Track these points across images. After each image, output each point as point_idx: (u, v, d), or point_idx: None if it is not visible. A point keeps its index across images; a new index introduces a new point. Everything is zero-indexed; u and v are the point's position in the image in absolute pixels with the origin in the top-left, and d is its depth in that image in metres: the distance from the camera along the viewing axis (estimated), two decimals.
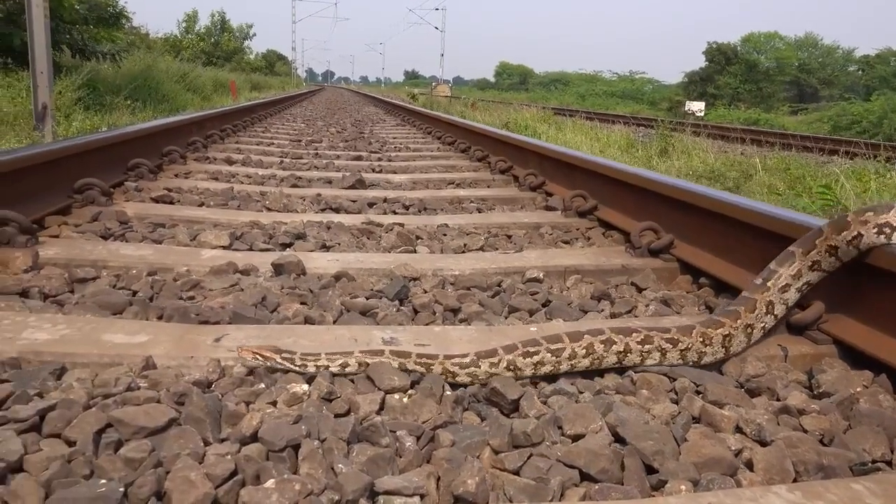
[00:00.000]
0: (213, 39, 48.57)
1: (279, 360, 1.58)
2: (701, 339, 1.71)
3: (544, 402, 1.51)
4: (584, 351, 1.64)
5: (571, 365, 1.64)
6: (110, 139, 3.97)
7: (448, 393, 1.52)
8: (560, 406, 1.48)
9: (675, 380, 1.64)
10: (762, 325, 1.81)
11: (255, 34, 54.57)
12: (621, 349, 1.66)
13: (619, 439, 1.36)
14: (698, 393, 1.59)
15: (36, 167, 2.97)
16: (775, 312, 1.83)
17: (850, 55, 65.46)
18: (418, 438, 1.35)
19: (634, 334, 1.67)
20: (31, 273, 2.23)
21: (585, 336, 1.65)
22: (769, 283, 1.82)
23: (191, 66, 25.36)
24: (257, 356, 1.58)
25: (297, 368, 1.58)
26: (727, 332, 1.74)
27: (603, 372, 1.69)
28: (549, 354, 1.61)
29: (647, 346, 1.67)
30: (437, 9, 63.85)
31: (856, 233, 1.78)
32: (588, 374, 1.68)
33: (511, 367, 1.59)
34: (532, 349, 1.61)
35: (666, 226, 2.80)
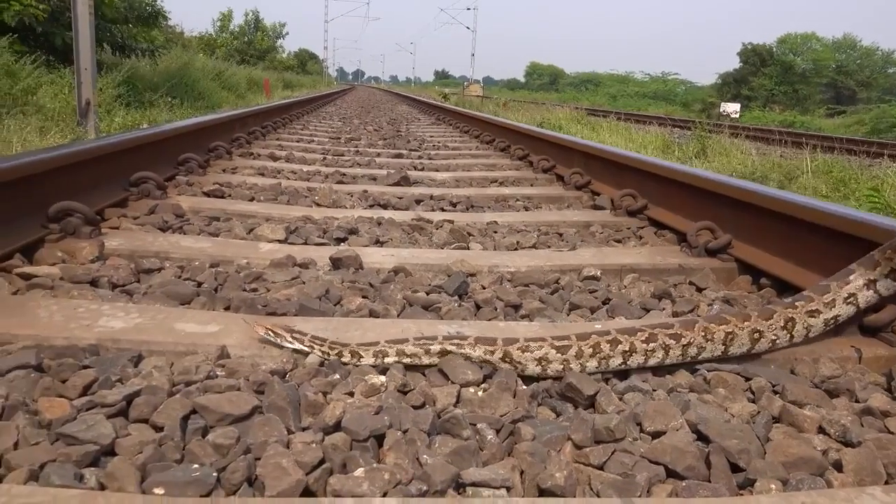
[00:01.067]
0: (246, 38, 49.08)
1: (289, 339, 1.62)
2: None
3: (620, 399, 1.49)
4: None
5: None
6: (161, 134, 4.03)
7: (523, 387, 1.51)
8: (636, 403, 1.47)
9: (749, 379, 1.62)
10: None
11: (287, 33, 55.15)
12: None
13: (701, 437, 1.34)
14: (775, 392, 1.56)
15: (94, 160, 3.03)
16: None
17: (890, 57, 64.11)
18: (498, 431, 1.35)
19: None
20: (97, 263, 2.27)
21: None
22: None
23: (226, 64, 25.70)
24: (269, 331, 1.63)
25: (305, 348, 1.63)
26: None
27: (673, 369, 1.68)
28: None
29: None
30: (468, 8, 63.82)
31: None
32: (658, 371, 1.67)
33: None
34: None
35: (723, 225, 2.77)
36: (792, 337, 1.73)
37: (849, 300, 1.78)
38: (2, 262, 2.13)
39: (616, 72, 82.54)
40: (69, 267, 2.18)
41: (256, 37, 49.47)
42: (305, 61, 73.98)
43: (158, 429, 1.29)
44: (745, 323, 1.68)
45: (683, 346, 1.64)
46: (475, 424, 1.35)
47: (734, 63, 65.25)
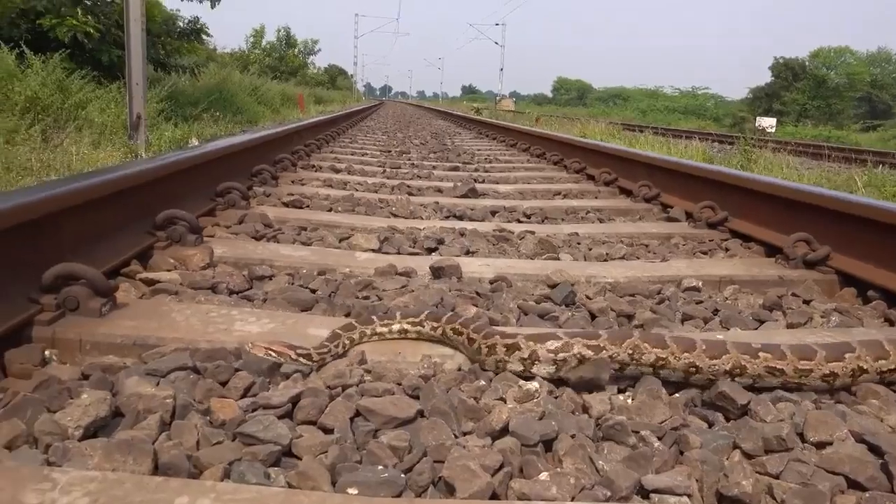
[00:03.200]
0: (278, 54, 49.75)
1: (293, 357, 1.54)
2: None
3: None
4: None
5: None
6: (237, 147, 4.09)
7: (677, 395, 1.51)
8: (791, 413, 1.45)
9: None
10: None
11: (319, 50, 55.77)
12: None
13: (871, 448, 1.32)
14: None
15: (186, 171, 3.08)
16: None
17: None
18: (660, 438, 1.34)
19: None
20: (209, 270, 2.31)
21: None
22: None
23: (262, 80, 26.06)
24: (269, 352, 1.53)
25: (313, 364, 1.56)
26: None
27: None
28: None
29: None
30: (497, 24, 64.09)
31: None
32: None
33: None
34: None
35: (818, 237, 2.73)
36: None
37: None
38: (120, 267, 2.17)
39: (645, 86, 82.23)
40: (187, 273, 2.22)
41: (288, 53, 50.18)
42: (335, 77, 74.78)
43: (327, 430, 1.31)
44: None
45: None
46: (637, 431, 1.34)
47: (765, 77, 64.66)
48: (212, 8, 15.16)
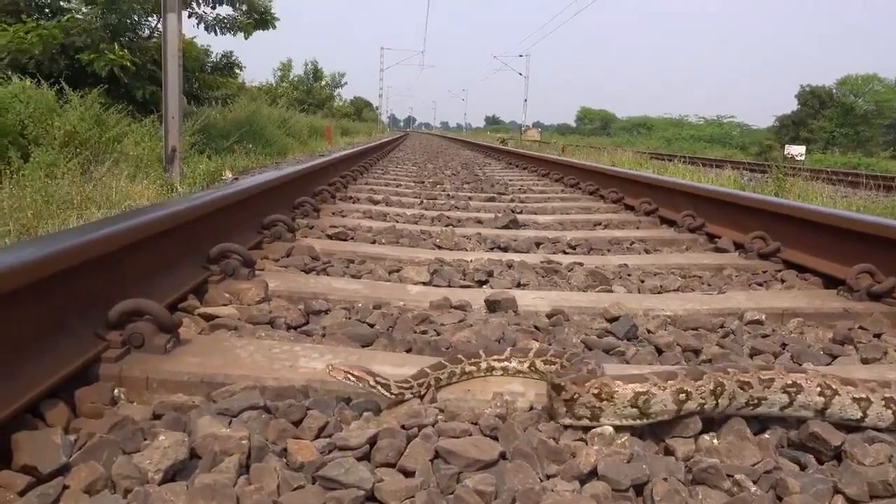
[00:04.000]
0: (305, 87, 50.54)
1: (372, 383, 1.51)
2: None
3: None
4: None
5: None
6: (280, 179, 4.12)
7: (766, 436, 1.44)
8: (889, 455, 1.38)
9: None
10: None
11: (346, 83, 56.68)
12: None
13: None
14: None
15: (234, 205, 3.09)
16: None
17: None
18: (755, 482, 1.28)
19: None
20: (264, 304, 2.29)
21: None
22: None
23: (290, 112, 26.45)
24: (349, 376, 1.51)
25: (392, 396, 1.53)
26: None
27: None
28: None
29: None
30: (521, 55, 64.65)
31: None
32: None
33: None
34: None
35: (882, 268, 2.65)
36: None
37: None
38: (178, 302, 2.16)
39: (670, 115, 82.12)
40: (244, 308, 2.20)
41: (315, 86, 50.97)
42: (361, 109, 75.74)
43: (408, 473, 1.26)
44: None
45: None
46: (731, 475, 1.28)
47: (791, 105, 64.24)
48: (245, 39, 15.39)
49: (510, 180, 8.59)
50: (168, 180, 9.05)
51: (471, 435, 1.39)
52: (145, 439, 1.33)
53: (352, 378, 1.50)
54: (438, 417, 1.48)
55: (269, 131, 18.74)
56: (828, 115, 54.34)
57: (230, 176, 10.70)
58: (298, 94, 47.15)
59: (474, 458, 1.29)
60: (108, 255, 1.83)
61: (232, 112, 17.48)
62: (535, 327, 2.22)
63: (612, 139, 59.72)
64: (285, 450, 1.34)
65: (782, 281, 3.05)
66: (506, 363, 1.71)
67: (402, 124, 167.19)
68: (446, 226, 4.39)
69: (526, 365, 1.70)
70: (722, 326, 2.34)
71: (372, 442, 1.33)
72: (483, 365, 1.70)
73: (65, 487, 1.16)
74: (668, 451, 1.41)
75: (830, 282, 2.92)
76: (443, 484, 1.23)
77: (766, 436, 1.45)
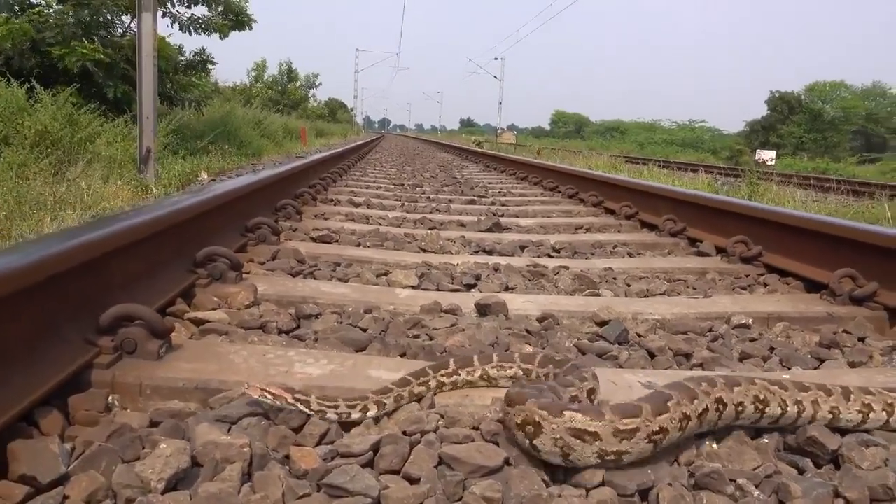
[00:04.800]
0: (280, 88, 50.20)
1: (290, 401, 1.42)
2: None
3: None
4: None
5: None
6: (263, 181, 4.08)
7: (765, 440, 1.46)
8: (884, 458, 1.40)
9: None
10: None
11: (320, 83, 56.45)
12: None
13: None
14: None
15: (217, 209, 3.05)
16: None
17: None
18: (757, 486, 1.29)
19: None
20: (254, 308, 2.27)
21: None
22: None
23: (264, 113, 26.23)
24: (265, 393, 1.42)
25: (312, 413, 1.43)
26: None
27: None
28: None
29: None
30: (496, 58, 64.85)
31: None
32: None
33: None
34: None
35: (863, 272, 2.70)
36: None
37: None
38: (167, 307, 2.13)
39: (642, 119, 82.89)
40: (234, 312, 2.18)
41: (290, 87, 50.64)
42: (336, 110, 75.40)
43: (413, 480, 1.26)
44: None
45: None
46: (734, 480, 1.29)
47: (761, 111, 65.24)
48: (221, 39, 15.24)
49: (489, 183, 8.61)
50: (142, 181, 8.92)
51: (473, 441, 1.39)
52: (144, 447, 1.30)
53: (268, 396, 1.42)
54: (439, 423, 1.48)
55: (243, 132, 18.56)
56: (796, 121, 55.20)
57: (206, 177, 10.58)
58: (273, 95, 46.85)
59: (479, 465, 1.28)
60: (95, 259, 1.79)
61: (206, 113, 17.28)
62: (527, 331, 2.23)
63: (587, 142, 60.03)
64: (287, 457, 1.33)
65: (765, 285, 3.09)
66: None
67: (376, 126, 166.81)
68: (430, 229, 4.39)
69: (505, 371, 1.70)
70: (710, 330, 2.37)
71: (375, 448, 1.33)
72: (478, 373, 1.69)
73: (65, 498, 1.13)
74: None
75: (812, 286, 2.96)
76: (449, 490, 1.22)
77: (765, 440, 1.46)
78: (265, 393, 1.42)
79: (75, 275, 1.68)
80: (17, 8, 13.71)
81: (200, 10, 15.55)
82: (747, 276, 3.26)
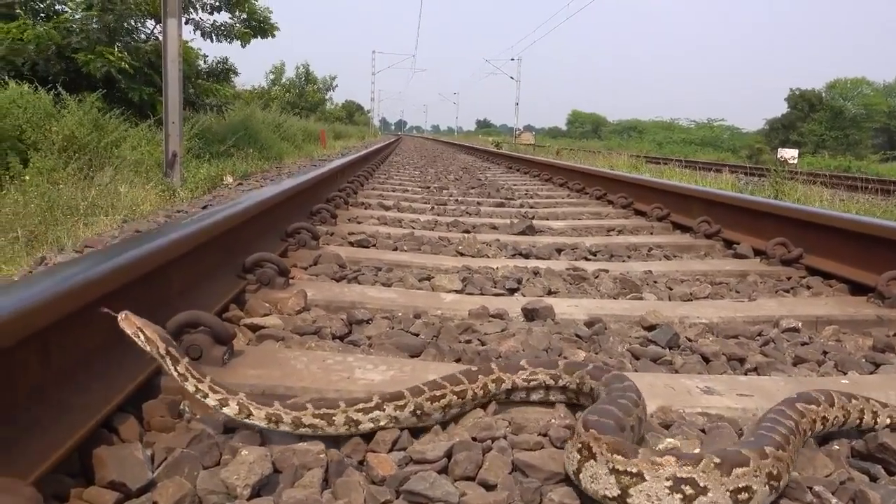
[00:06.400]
0: (297, 90, 50.44)
1: (161, 352, 1.34)
2: None
3: None
4: None
5: None
6: (299, 187, 4.10)
7: (835, 447, 1.45)
8: None
9: None
10: None
11: (337, 86, 56.65)
12: None
13: None
14: None
15: (259, 215, 3.07)
16: None
17: None
18: (833, 492, 1.29)
19: None
20: (306, 314, 2.29)
21: None
22: None
23: (284, 116, 26.38)
24: (139, 333, 1.35)
25: (176, 375, 1.36)
26: None
27: None
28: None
29: None
30: (512, 59, 64.87)
31: None
32: None
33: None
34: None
35: None
36: None
37: None
38: (221, 313, 2.15)
39: (661, 118, 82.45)
40: (288, 318, 2.20)
41: (308, 90, 50.88)
42: (353, 112, 75.71)
43: (489, 487, 1.27)
44: None
45: None
46: (811, 487, 1.29)
47: (781, 109, 64.66)
48: (242, 47, 15.36)
49: (514, 185, 8.60)
50: (169, 185, 9.00)
51: (543, 447, 1.40)
52: (221, 453, 1.32)
53: (141, 337, 1.35)
54: (507, 430, 1.49)
55: (264, 135, 18.66)
56: (817, 119, 54.72)
57: (231, 180, 10.66)
58: (291, 98, 47.07)
59: (554, 472, 1.29)
60: (161, 267, 1.82)
61: (227, 117, 17.41)
62: (577, 336, 2.23)
63: (604, 142, 59.81)
64: (361, 462, 1.34)
65: (809, 287, 3.07)
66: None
67: (392, 127, 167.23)
68: (464, 232, 4.40)
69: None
70: (760, 334, 2.35)
71: (448, 455, 1.34)
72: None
73: None
74: None
75: (857, 288, 2.94)
76: (527, 497, 1.23)
77: (836, 447, 1.46)
78: (139, 332, 1.36)
79: (141, 283, 1.71)
80: (42, 15, 13.91)
81: (223, 17, 15.69)
82: (789, 278, 3.24)
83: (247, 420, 1.36)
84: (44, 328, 1.27)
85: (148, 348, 1.36)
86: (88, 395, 1.34)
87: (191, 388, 1.37)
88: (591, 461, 1.19)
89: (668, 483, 1.12)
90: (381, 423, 1.41)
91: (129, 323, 1.36)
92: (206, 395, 1.36)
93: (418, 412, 1.45)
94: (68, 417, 1.26)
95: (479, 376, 1.57)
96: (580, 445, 1.21)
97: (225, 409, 1.36)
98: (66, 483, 1.19)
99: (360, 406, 1.40)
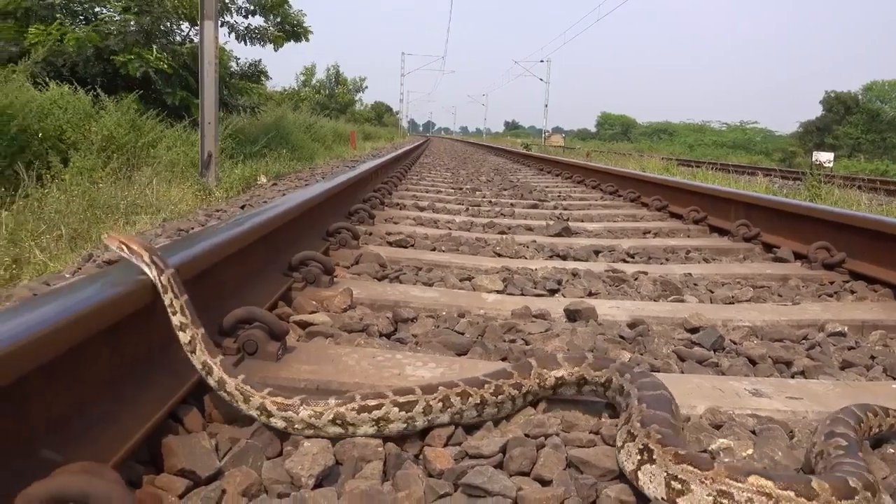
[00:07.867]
0: (327, 92, 50.87)
1: (146, 260, 1.40)
2: None
3: None
4: None
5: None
6: (338, 187, 4.16)
7: (890, 450, 1.45)
8: None
9: None
10: None
11: (367, 87, 57.10)
12: None
13: None
14: None
15: (301, 216, 3.12)
16: None
17: None
18: (891, 495, 1.29)
19: None
20: (352, 312, 2.33)
21: None
22: None
23: (314, 117, 26.61)
24: (123, 247, 1.42)
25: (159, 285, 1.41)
26: None
27: None
28: None
29: None
30: (542, 61, 64.67)
31: None
32: None
33: None
34: None
35: None
36: None
37: None
38: (271, 310, 2.20)
39: (692, 121, 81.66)
40: (335, 315, 2.24)
41: (338, 91, 51.30)
42: (382, 113, 76.14)
43: (544, 483, 1.29)
44: None
45: None
46: None
47: (816, 111, 63.67)
48: (275, 51, 15.53)
49: (546, 187, 8.60)
50: (204, 185, 9.13)
51: (595, 445, 1.41)
52: (282, 445, 1.36)
53: (125, 250, 1.42)
54: (559, 427, 1.51)
55: (295, 136, 18.83)
56: (853, 122, 53.70)
57: (265, 181, 10.79)
58: (321, 99, 47.49)
59: (608, 468, 1.31)
60: (216, 265, 1.87)
61: (259, 118, 17.61)
62: (621, 337, 2.24)
63: (634, 144, 59.42)
64: (417, 456, 1.37)
65: (852, 292, 3.04)
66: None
67: (421, 129, 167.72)
68: (500, 233, 4.41)
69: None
70: (805, 338, 2.34)
71: (503, 450, 1.36)
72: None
73: (223, 492, 1.19)
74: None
75: None
76: (583, 493, 1.25)
77: (890, 450, 1.46)
78: (123, 246, 1.42)
79: (197, 281, 1.75)
80: (81, 18, 14.19)
81: (258, 21, 15.87)
82: (832, 282, 3.21)
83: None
84: (115, 324, 1.32)
85: (134, 259, 1.41)
86: (156, 387, 1.39)
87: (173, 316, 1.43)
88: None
89: None
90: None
91: (111, 240, 1.43)
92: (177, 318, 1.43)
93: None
94: (137, 409, 1.31)
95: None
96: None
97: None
98: (138, 470, 1.24)
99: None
